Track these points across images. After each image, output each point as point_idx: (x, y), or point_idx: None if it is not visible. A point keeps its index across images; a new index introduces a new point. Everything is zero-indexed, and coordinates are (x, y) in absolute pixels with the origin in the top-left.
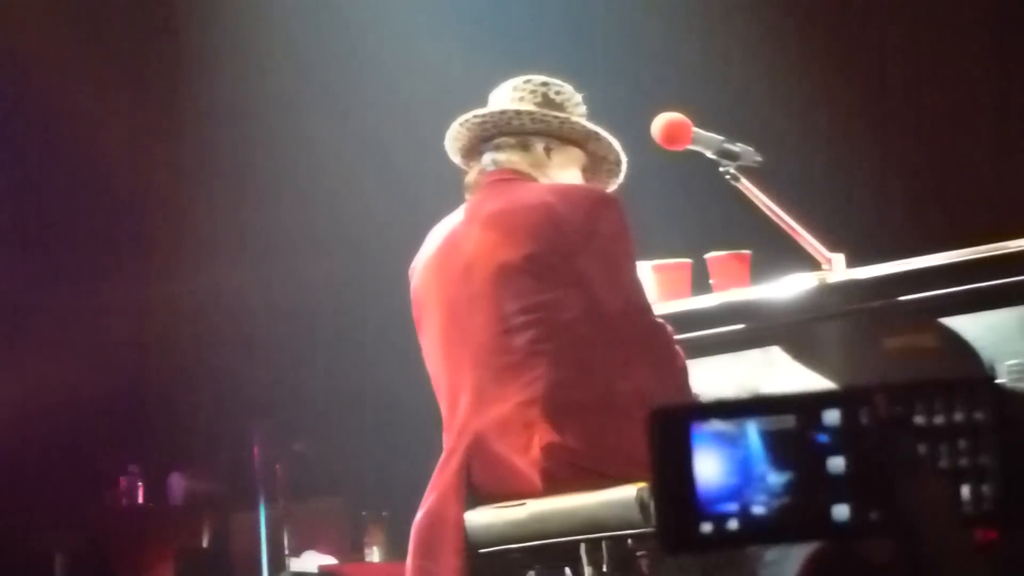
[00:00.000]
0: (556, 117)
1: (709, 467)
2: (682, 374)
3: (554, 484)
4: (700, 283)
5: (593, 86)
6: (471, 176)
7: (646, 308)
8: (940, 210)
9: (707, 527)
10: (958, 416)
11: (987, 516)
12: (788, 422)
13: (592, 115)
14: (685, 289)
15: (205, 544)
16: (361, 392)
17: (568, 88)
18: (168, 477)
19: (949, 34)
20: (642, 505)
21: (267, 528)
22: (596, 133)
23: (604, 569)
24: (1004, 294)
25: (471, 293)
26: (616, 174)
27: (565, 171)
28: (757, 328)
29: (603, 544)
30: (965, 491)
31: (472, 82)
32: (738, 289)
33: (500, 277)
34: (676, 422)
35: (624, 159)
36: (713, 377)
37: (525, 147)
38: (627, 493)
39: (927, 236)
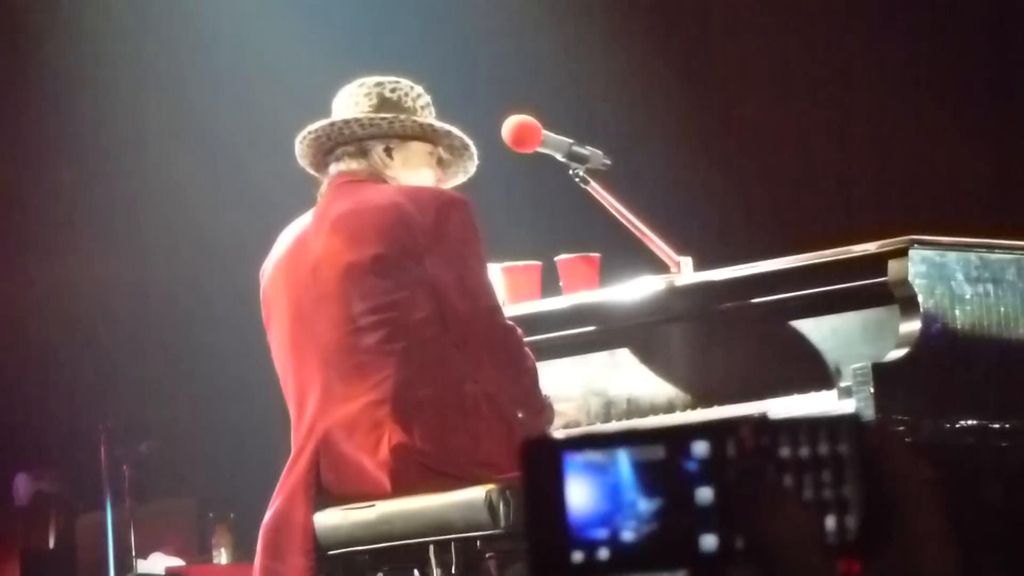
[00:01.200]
0: (384, 118)
1: (580, 495)
2: (530, 375)
3: (403, 485)
4: (550, 285)
5: (443, 87)
6: (322, 188)
7: (496, 309)
8: (786, 215)
9: (578, 556)
10: (822, 449)
11: (850, 547)
12: (658, 452)
13: (442, 116)
14: (535, 291)
15: (51, 545)
16: (208, 392)
17: (404, 83)
18: (13, 477)
19: (797, 41)
20: (490, 506)
21: (114, 529)
22: (430, 126)
23: (453, 571)
24: (848, 298)
25: (319, 293)
26: (472, 157)
27: (410, 167)
28: (605, 330)
29: (452, 545)
30: (830, 522)
31: (321, 82)
32: (587, 291)
33: (348, 277)
34: (548, 451)
35: (469, 141)
36: (561, 379)
37: (364, 153)
38: (475, 495)
39: (773, 240)
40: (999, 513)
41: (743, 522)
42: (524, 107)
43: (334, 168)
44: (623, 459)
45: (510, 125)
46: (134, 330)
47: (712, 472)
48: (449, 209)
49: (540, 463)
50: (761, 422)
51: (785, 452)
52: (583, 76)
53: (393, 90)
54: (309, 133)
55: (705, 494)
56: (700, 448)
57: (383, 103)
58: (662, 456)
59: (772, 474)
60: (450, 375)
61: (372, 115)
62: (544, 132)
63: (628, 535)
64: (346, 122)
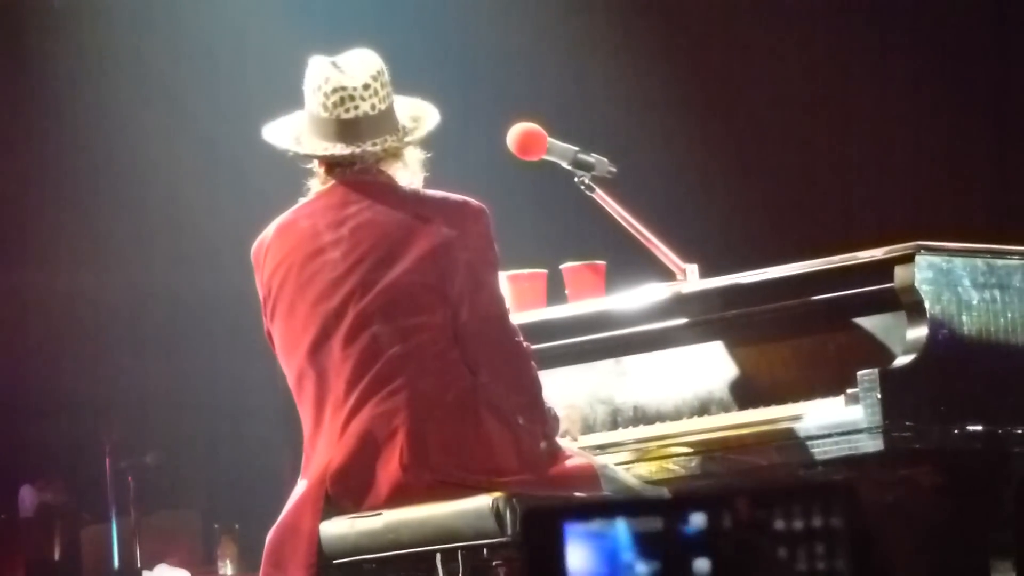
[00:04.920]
0: (372, 143)
1: (580, 560)
2: (536, 387)
3: (415, 494)
4: (555, 293)
5: (447, 95)
6: (323, 177)
7: (506, 322)
8: (792, 221)
9: None
10: (816, 521)
11: None
12: (656, 524)
13: (447, 124)
14: (540, 299)
15: (56, 556)
16: (213, 404)
17: (349, 86)
18: (18, 489)
19: (800, 48)
20: (497, 515)
21: (118, 540)
22: (404, 127)
23: None
24: (855, 304)
25: (338, 306)
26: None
27: (405, 161)
28: (611, 338)
29: (459, 554)
30: None
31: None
32: (593, 299)
33: (370, 297)
34: (550, 520)
35: (427, 112)
36: (566, 388)
37: (366, 167)
38: (482, 503)
39: (779, 247)
40: (1007, 519)
41: None
42: (529, 115)
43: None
44: (621, 527)
45: (515, 133)
46: (137, 341)
47: (709, 543)
48: (471, 222)
49: (542, 531)
50: (757, 493)
51: (779, 524)
52: (588, 84)
53: (351, 97)
54: (316, 158)
55: (702, 565)
56: (697, 520)
57: (361, 127)
58: (660, 527)
59: (767, 547)
60: (462, 385)
61: (359, 147)
62: (549, 140)
63: None
64: (351, 157)
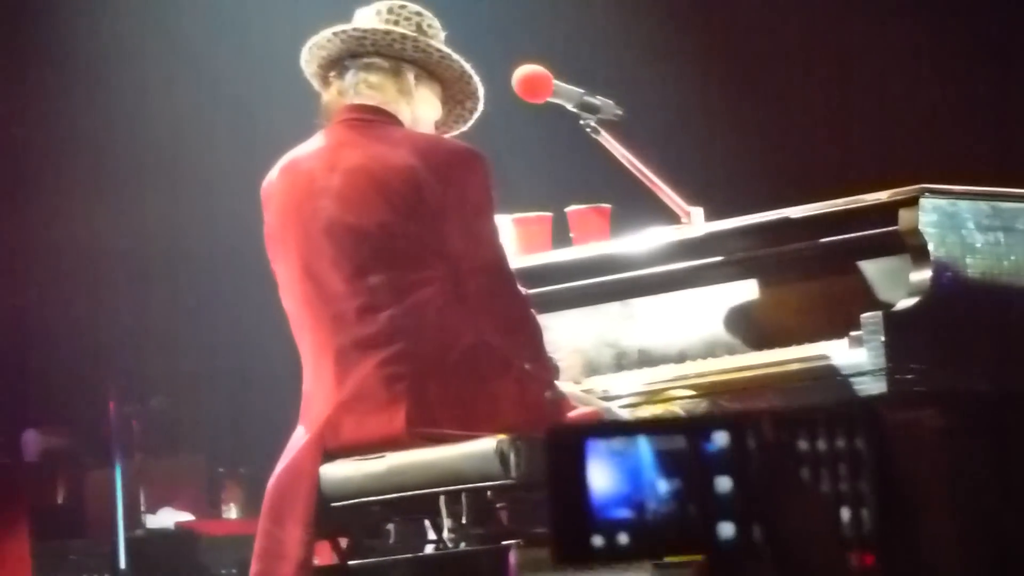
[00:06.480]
0: (438, 50)
1: (602, 478)
2: (536, 339)
3: (417, 447)
4: (560, 236)
5: (452, 36)
6: (330, 95)
7: (505, 275)
8: (796, 164)
9: (598, 540)
10: (839, 443)
11: (865, 539)
12: (678, 442)
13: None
14: (545, 242)
15: (60, 501)
16: (218, 347)
17: (437, 23)
18: (22, 433)
19: None
20: (501, 457)
21: (123, 485)
22: (469, 76)
23: (463, 521)
24: (859, 247)
25: (332, 257)
26: (465, 121)
27: (426, 106)
28: (616, 281)
29: (463, 496)
30: (845, 514)
31: (322, 18)
32: (598, 242)
33: (363, 246)
34: (572, 439)
35: (480, 109)
36: (572, 331)
37: (397, 73)
38: (486, 445)
39: (784, 190)
40: (1011, 460)
41: (761, 513)
42: (535, 57)
43: (355, 77)
44: (644, 445)
45: (521, 75)
46: (141, 284)
47: (732, 463)
48: (465, 172)
49: (564, 450)
50: (780, 414)
51: (803, 445)
52: (594, 27)
53: (430, 26)
54: (355, 30)
55: (724, 483)
56: (720, 439)
57: (421, 35)
58: (683, 445)
59: (790, 467)
60: (464, 343)
61: (428, 41)
62: (555, 82)
63: (648, 516)
64: (403, 36)
